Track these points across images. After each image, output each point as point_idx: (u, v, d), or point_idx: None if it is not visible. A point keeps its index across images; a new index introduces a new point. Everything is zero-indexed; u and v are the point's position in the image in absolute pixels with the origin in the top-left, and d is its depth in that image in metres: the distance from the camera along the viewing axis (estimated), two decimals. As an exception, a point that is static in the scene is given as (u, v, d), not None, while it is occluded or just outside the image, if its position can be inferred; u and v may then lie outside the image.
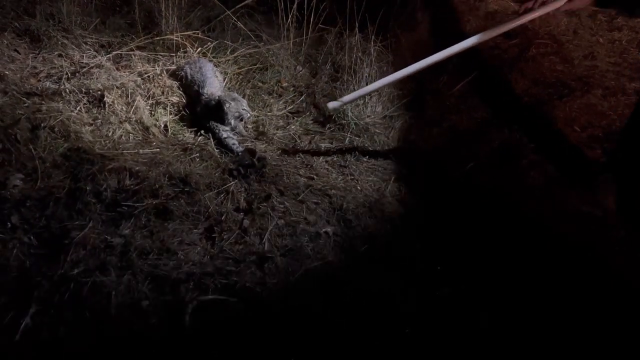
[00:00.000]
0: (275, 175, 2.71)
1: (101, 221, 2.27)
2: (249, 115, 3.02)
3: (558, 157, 3.20)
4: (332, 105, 2.94)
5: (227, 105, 2.89)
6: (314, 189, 2.71)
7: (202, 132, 2.95)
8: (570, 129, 3.36)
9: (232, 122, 2.94)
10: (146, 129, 2.85)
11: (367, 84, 3.40)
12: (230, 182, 2.59)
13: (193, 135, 2.95)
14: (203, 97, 3.02)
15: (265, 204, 2.52)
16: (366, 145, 3.18)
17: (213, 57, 3.52)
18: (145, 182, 2.43)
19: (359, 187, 2.80)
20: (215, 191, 2.53)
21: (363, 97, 3.28)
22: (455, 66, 3.75)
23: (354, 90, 3.36)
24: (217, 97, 2.97)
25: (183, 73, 3.19)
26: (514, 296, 2.34)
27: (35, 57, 3.16)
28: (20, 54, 3.16)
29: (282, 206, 2.55)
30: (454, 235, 2.64)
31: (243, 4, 3.87)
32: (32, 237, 2.14)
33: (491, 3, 4.85)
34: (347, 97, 2.96)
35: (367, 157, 3.10)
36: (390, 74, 3.09)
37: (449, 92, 3.63)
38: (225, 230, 2.37)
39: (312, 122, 3.33)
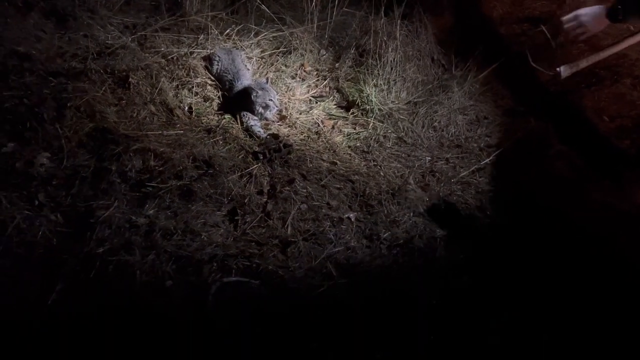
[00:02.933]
0: (298, 160, 2.70)
1: (126, 201, 2.28)
2: (276, 107, 3.01)
3: (585, 147, 3.14)
4: (564, 71, 2.82)
5: (255, 94, 2.89)
6: (336, 174, 2.69)
7: (228, 116, 2.95)
8: (599, 118, 3.28)
9: (260, 110, 2.94)
10: (170, 110, 2.84)
11: (392, 69, 3.37)
12: (254, 165, 2.59)
13: (217, 118, 2.94)
14: (235, 88, 3.05)
15: (288, 188, 2.51)
16: (390, 131, 3.15)
17: (237, 39, 3.49)
18: (169, 163, 2.43)
19: (382, 174, 2.78)
20: (239, 174, 2.53)
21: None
22: (482, 52, 3.69)
23: (379, 75, 3.33)
24: (245, 86, 2.99)
25: (216, 62, 3.18)
26: (534, 290, 2.31)
27: (61, 37, 3.16)
28: (46, 33, 3.16)
29: (304, 191, 2.54)
30: (478, 224, 2.62)
31: (268, -14, 3.84)
32: (58, 215, 2.17)
33: (519, -11, 4.74)
34: (583, 62, 2.86)
35: (391, 143, 3.08)
36: (416, 59, 3.05)
37: (475, 79, 3.56)
38: (248, 213, 2.37)
39: (335, 106, 3.31)
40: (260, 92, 2.91)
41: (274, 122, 3.04)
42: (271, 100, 2.95)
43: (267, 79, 3.14)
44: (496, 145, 3.11)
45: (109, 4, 3.58)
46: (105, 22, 3.41)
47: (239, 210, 2.36)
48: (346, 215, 2.49)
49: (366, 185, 2.66)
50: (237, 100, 2.97)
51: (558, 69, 2.81)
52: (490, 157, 3.02)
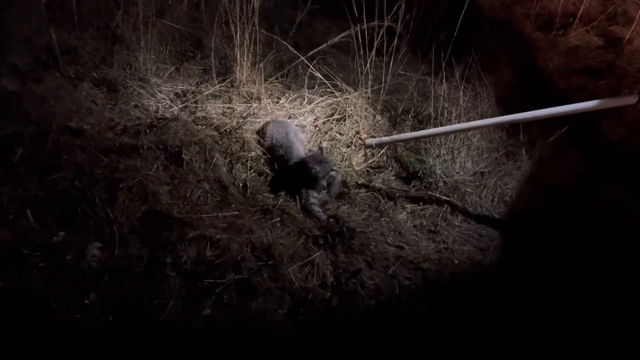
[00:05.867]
0: (361, 245, 2.48)
1: (181, 298, 2.10)
2: (338, 177, 2.84)
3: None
4: (369, 142, 3.08)
5: (314, 170, 2.71)
6: (405, 261, 2.45)
7: (283, 192, 2.78)
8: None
9: (324, 183, 2.76)
10: (224, 188, 2.68)
11: (454, 137, 3.15)
12: (315, 252, 2.38)
13: (272, 195, 2.77)
14: (289, 162, 2.90)
15: (354, 279, 2.29)
16: (457, 206, 2.91)
17: (290, 107, 3.36)
18: (227, 254, 2.25)
19: (455, 261, 2.52)
20: (300, 263, 2.32)
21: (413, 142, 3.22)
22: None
23: (441, 143, 3.12)
24: (302, 163, 2.80)
25: (268, 137, 3.04)
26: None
27: (112, 108, 3.08)
28: (97, 105, 3.09)
29: (371, 282, 2.31)
30: (566, 317, 2.33)
31: (318, 49, 3.72)
32: (110, 318, 2.00)
33: (572, 37, 4.51)
34: (386, 138, 3.07)
35: (459, 220, 2.83)
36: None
37: (544, 144, 3.30)
38: (312, 310, 2.15)
39: (394, 178, 3.09)
40: (319, 167, 2.72)
41: (331, 198, 2.84)
42: (333, 171, 2.77)
43: (321, 148, 2.97)
44: (576, 218, 2.82)
45: (159, 71, 3.53)
46: (155, 90, 3.35)
47: (301, 308, 2.15)
48: (418, 311, 2.24)
49: (439, 274, 2.41)
50: (294, 177, 2.80)
51: (369, 140, 3.13)
52: (572, 234, 2.73)
